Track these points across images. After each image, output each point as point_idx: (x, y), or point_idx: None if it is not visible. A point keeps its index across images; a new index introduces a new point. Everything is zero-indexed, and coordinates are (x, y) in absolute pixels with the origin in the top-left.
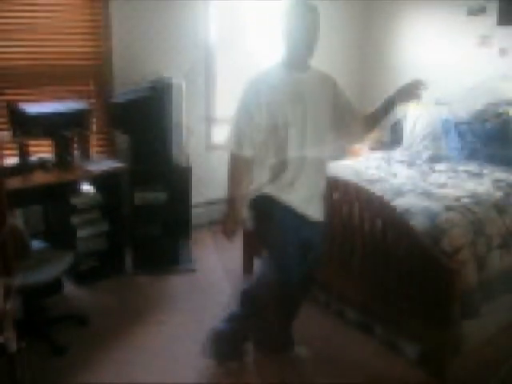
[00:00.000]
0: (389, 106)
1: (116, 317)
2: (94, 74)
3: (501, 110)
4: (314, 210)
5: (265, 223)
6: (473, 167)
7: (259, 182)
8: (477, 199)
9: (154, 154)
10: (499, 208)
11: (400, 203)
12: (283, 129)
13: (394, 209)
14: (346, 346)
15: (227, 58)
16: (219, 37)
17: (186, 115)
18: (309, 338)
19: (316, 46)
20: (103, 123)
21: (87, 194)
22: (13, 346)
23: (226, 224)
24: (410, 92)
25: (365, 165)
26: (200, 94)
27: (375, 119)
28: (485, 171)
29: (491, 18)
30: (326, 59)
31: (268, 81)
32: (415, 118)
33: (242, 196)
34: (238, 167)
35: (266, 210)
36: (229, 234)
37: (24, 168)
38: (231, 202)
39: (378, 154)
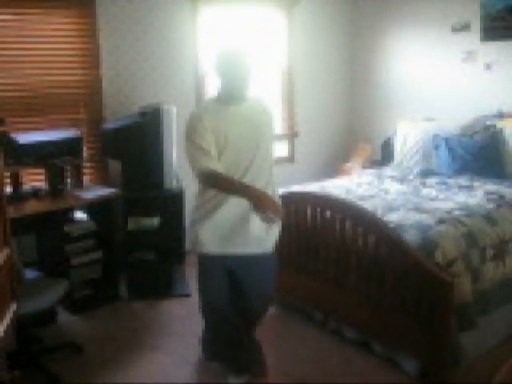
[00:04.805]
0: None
1: (111, 344)
2: (85, 102)
3: (488, 123)
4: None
5: None
6: (463, 180)
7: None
8: (468, 211)
9: (146, 179)
10: (491, 220)
11: (392, 218)
12: (223, 147)
13: (385, 224)
14: (345, 364)
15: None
16: (209, 61)
17: (177, 140)
18: (306, 358)
19: (249, 83)
20: (95, 150)
21: (80, 222)
22: (4, 376)
23: (265, 206)
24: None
25: (357, 182)
26: None
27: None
28: (475, 184)
29: (475, 34)
30: (314, 76)
31: (207, 111)
32: (405, 134)
33: (243, 185)
34: (218, 175)
35: None
36: (277, 214)
37: (17, 197)
38: (245, 192)
39: (370, 172)
